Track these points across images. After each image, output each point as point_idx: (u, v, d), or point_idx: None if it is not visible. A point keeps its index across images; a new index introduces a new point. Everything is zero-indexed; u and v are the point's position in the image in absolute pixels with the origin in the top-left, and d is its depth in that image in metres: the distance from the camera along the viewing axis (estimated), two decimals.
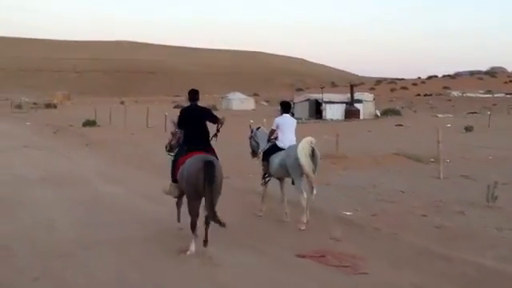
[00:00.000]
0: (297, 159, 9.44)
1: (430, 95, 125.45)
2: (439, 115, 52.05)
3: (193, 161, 7.81)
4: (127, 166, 17.96)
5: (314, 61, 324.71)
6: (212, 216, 7.49)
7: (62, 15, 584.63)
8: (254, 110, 72.66)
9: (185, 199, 8.42)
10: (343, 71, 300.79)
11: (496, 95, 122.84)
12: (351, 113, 47.62)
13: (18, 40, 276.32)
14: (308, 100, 51.35)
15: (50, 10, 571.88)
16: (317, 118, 46.97)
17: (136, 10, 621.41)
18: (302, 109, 50.64)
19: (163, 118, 41.95)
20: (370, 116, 49.15)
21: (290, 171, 9.78)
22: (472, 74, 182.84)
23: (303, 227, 9.45)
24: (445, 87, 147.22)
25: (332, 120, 46.04)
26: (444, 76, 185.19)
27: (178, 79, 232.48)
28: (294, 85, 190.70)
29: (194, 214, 7.84)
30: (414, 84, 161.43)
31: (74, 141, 27.22)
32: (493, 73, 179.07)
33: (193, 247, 7.86)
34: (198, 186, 7.60)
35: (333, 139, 27.08)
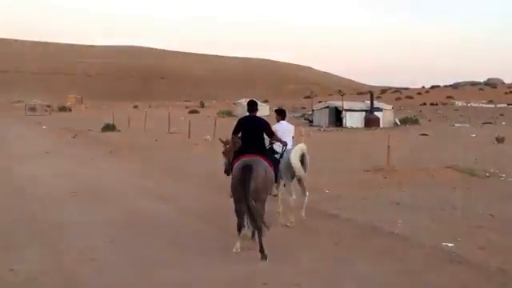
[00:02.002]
0: (289, 163, 9.45)
1: (436, 104, 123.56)
2: (456, 125, 49.91)
3: (236, 165, 7.94)
4: (161, 177, 15.89)
5: (321, 69, 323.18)
6: (252, 221, 7.53)
7: (76, 19, 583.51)
8: (268, 115, 70.73)
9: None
10: (349, 79, 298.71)
11: (498, 105, 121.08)
12: (371, 121, 45.57)
13: (31, 43, 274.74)
14: (328, 107, 49.30)
15: (63, 14, 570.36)
16: (337, 126, 44.88)
17: (149, 15, 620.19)
18: (321, 116, 48.70)
19: (182, 122, 40.42)
20: (389, 124, 47.08)
21: (282, 174, 9.70)
22: (473, 84, 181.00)
23: (290, 225, 9.52)
24: (448, 97, 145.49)
25: (352, 128, 43.97)
26: (446, 86, 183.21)
27: (188, 85, 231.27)
28: (302, 92, 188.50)
29: (238, 216, 7.90)
30: (419, 93, 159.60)
31: (97, 147, 25.24)
32: (493, 84, 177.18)
33: (238, 245, 7.86)
34: (237, 188, 7.71)
35: (367, 150, 25.34)
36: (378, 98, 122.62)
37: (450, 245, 8.46)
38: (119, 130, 35.36)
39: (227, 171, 8.97)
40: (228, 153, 9.09)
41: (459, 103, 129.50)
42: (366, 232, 8.97)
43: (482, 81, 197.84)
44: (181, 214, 10.54)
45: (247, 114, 8.75)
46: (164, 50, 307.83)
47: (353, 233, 8.99)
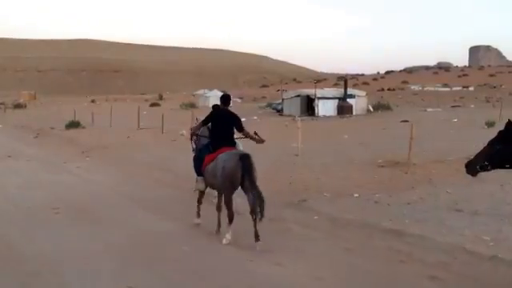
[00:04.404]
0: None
1: (394, 90, 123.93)
2: (428, 109, 48.86)
3: (228, 156, 7.90)
4: (154, 183, 13.54)
5: (277, 58, 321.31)
6: (262, 203, 7.58)
7: (23, 13, 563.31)
8: (231, 106, 68.30)
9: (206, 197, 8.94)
10: (304, 68, 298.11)
11: (454, 88, 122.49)
12: (344, 108, 43.88)
13: None
14: (299, 96, 47.34)
15: (10, 9, 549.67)
16: (309, 115, 43.02)
17: (98, 7, 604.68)
18: (292, 105, 46.74)
19: (146, 117, 37.79)
20: (362, 111, 45.53)
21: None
22: (427, 68, 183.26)
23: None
24: (403, 82, 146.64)
25: (325, 116, 42.21)
26: (401, 71, 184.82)
27: (142, 78, 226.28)
28: (259, 81, 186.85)
29: (231, 206, 7.94)
30: (374, 79, 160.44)
31: (65, 147, 22.51)
32: (446, 67, 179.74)
33: (229, 236, 7.90)
34: (235, 178, 7.72)
35: (359, 139, 23.59)
36: (336, 84, 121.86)
37: None
38: (84, 127, 32.48)
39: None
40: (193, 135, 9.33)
41: (415, 87, 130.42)
42: (467, 263, 6.84)
43: (432, 65, 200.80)
44: (197, 239, 8.34)
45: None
46: (116, 43, 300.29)
47: (449, 262, 6.87)
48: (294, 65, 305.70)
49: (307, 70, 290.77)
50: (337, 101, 45.06)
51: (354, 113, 44.41)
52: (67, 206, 10.58)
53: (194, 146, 9.35)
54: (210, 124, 8.72)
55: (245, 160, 7.73)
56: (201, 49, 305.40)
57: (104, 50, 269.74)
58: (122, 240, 8.05)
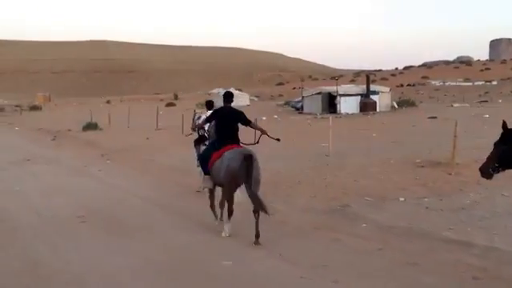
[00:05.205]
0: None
1: (414, 85, 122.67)
2: (455, 105, 47.78)
3: (233, 154, 8.02)
4: (177, 188, 12.87)
5: (292, 55, 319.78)
6: (259, 204, 7.67)
7: (37, 16, 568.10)
8: (248, 105, 67.72)
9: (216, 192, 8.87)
10: (320, 64, 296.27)
11: (476, 83, 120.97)
12: (368, 105, 43.00)
13: None
14: (320, 93, 46.50)
15: (24, 11, 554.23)
16: (330, 112, 42.18)
17: (111, 8, 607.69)
18: (313, 103, 45.97)
19: (163, 117, 37.25)
20: (386, 108, 44.60)
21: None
22: (447, 63, 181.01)
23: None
24: (423, 77, 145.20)
25: (348, 114, 41.38)
26: (420, 66, 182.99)
27: (156, 77, 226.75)
28: (274, 79, 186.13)
29: (232, 202, 8.13)
30: (393, 75, 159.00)
31: (84, 150, 22.03)
32: (467, 61, 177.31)
33: (227, 228, 8.16)
34: (238, 176, 7.88)
35: (388, 137, 22.80)
36: (352, 81, 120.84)
37: None
38: (101, 129, 32.06)
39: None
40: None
41: (435, 82, 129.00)
42: None
43: (452, 59, 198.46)
44: (236, 246, 7.65)
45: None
46: (128, 43, 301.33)
47: None
48: (309, 62, 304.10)
49: (322, 66, 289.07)
50: (359, 98, 44.23)
51: (377, 109, 43.57)
52: (92, 213, 9.99)
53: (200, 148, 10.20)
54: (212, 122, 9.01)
55: (248, 160, 7.83)
56: (213, 47, 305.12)
57: (117, 50, 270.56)
58: (156, 254, 7.41)
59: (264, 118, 35.27)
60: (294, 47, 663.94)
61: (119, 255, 7.36)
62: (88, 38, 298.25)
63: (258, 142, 9.00)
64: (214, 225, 8.79)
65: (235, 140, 8.50)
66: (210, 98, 14.34)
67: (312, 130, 28.41)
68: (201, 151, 10.51)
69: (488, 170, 5.65)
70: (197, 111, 14.17)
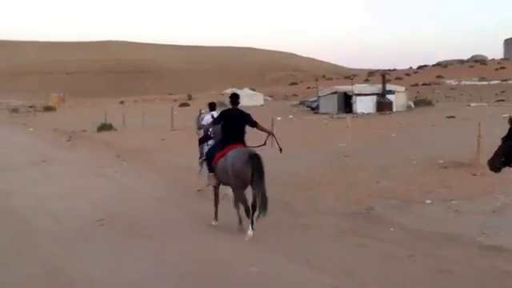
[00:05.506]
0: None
1: (429, 84, 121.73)
2: (472, 104, 47.18)
3: (237, 153, 8.20)
4: (195, 191, 12.66)
5: (305, 55, 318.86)
6: (264, 204, 7.88)
7: (50, 16, 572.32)
8: (262, 105, 67.47)
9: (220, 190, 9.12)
10: (333, 64, 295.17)
11: (492, 82, 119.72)
12: (384, 105, 42.63)
13: (6, 43, 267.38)
14: (336, 93, 46.16)
15: (37, 12, 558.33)
16: (346, 112, 41.83)
17: (125, 9, 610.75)
18: (328, 102, 45.68)
19: (177, 117, 37.04)
20: (402, 108, 44.19)
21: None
22: (461, 62, 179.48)
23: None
24: (438, 76, 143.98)
25: (364, 114, 40.99)
26: (434, 65, 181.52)
27: (169, 77, 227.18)
28: (287, 79, 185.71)
29: (244, 201, 8.29)
30: (407, 74, 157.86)
31: (99, 150, 21.91)
32: (482, 60, 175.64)
33: (251, 233, 8.07)
34: (245, 177, 8.03)
35: (408, 137, 22.44)
36: (367, 80, 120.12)
37: None
38: (116, 129, 32.01)
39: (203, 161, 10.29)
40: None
41: (451, 82, 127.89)
42: None
43: (466, 58, 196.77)
44: (262, 252, 7.38)
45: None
46: (141, 43, 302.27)
47: None
48: (322, 61, 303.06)
49: (335, 66, 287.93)
50: (375, 97, 43.83)
51: (394, 109, 43.17)
52: (110, 216, 9.82)
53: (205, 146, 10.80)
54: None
55: (254, 159, 8.02)
56: (225, 47, 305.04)
57: (130, 51, 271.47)
58: (178, 258, 7.21)
59: (279, 118, 34.97)
60: (306, 47, 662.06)
61: (141, 260, 7.16)
62: (101, 39, 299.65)
63: (265, 144, 8.91)
64: (234, 227, 8.58)
65: (241, 141, 8.63)
66: (220, 100, 16.19)
67: (329, 130, 28.14)
68: (204, 150, 11.04)
69: (495, 164, 5.92)
70: (202, 111, 14.42)
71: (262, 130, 8.96)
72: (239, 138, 8.63)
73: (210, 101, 14.43)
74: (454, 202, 9.88)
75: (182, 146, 21.63)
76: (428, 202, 10.07)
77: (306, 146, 19.83)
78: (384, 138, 22.46)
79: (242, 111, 8.91)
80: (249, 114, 8.86)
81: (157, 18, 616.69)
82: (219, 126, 9.04)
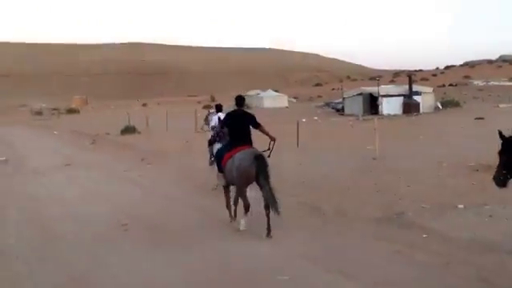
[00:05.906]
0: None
1: (456, 85, 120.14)
2: (501, 105, 46.30)
3: (243, 155, 8.60)
4: (222, 195, 12.54)
5: (328, 56, 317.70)
6: (273, 203, 8.20)
7: (71, 18, 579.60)
8: (287, 107, 67.26)
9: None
10: (357, 65, 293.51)
11: None
12: (411, 106, 42.07)
13: (28, 45, 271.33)
14: (361, 94, 45.74)
15: (59, 14, 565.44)
16: (372, 114, 41.39)
17: (146, 11, 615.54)
18: (353, 104, 45.25)
19: (202, 119, 36.93)
20: (429, 109, 43.54)
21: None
22: (489, 62, 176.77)
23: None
24: (465, 76, 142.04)
25: (390, 115, 40.50)
26: (461, 65, 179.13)
27: (191, 79, 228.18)
28: (311, 80, 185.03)
29: (245, 196, 8.70)
30: (434, 75, 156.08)
31: (124, 154, 21.97)
32: (511, 60, 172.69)
33: (244, 221, 8.73)
34: (250, 176, 8.48)
35: (436, 139, 22.07)
36: (392, 81, 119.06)
37: None
38: (139, 132, 32.14)
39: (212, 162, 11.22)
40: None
41: (478, 82, 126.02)
42: None
43: (494, 58, 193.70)
44: (292, 259, 7.21)
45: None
46: (164, 45, 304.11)
47: None
48: (345, 62, 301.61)
49: (359, 66, 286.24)
50: (401, 98, 43.26)
51: (420, 110, 42.63)
52: (135, 221, 9.77)
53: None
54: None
55: (259, 160, 8.45)
56: (247, 48, 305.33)
57: (152, 52, 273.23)
58: (205, 265, 7.09)
59: (304, 120, 34.81)
60: (330, 47, 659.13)
61: (168, 267, 7.07)
62: (123, 41, 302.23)
63: (269, 150, 9.23)
64: (261, 233, 8.44)
65: (247, 142, 9.00)
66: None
67: (355, 132, 27.82)
68: (214, 150, 11.48)
69: (499, 178, 5.96)
70: (211, 110, 15.06)
71: (265, 133, 9.20)
72: (246, 139, 9.00)
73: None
74: (487, 207, 9.58)
75: (206, 149, 21.59)
76: (460, 206, 9.80)
77: (332, 149, 19.60)
78: (412, 140, 22.10)
79: (246, 112, 9.36)
80: (253, 116, 9.28)
81: (179, 20, 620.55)
82: (227, 129, 9.46)
